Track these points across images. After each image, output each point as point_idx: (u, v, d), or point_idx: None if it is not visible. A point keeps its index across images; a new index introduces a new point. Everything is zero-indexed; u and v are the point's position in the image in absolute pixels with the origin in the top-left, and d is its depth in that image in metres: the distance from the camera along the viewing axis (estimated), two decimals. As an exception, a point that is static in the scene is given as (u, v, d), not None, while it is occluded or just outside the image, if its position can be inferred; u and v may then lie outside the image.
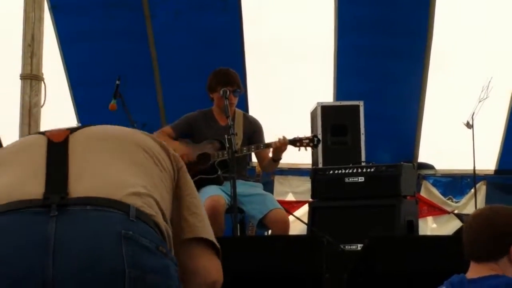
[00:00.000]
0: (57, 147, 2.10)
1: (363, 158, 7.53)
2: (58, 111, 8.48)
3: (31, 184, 2.02)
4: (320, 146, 6.65)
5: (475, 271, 3.22)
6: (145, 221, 2.03)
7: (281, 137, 6.06)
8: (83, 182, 2.03)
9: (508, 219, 3.22)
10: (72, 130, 2.17)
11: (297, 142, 6.07)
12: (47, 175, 2.03)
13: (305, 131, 7.66)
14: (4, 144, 9.29)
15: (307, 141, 6.08)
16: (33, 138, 2.17)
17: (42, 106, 5.40)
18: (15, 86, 5.52)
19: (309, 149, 6.17)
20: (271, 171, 7.29)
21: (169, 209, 2.20)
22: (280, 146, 6.02)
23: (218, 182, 6.17)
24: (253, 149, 6.25)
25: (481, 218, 3.27)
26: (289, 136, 6.11)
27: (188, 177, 2.35)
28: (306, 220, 6.86)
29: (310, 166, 7.86)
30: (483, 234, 3.22)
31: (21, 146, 2.18)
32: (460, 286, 3.19)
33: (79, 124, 7.73)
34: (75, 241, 1.91)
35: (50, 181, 2.02)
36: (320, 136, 7.43)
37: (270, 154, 6.22)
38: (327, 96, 9.12)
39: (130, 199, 2.04)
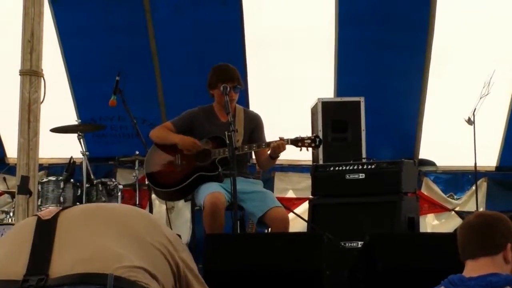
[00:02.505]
0: (46, 224, 2.09)
1: (364, 154, 7.51)
2: (58, 107, 8.46)
3: (14, 264, 2.02)
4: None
5: (472, 269, 3.33)
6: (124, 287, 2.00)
7: (280, 138, 6.03)
8: (66, 258, 2.01)
9: (507, 220, 3.42)
10: (64, 208, 2.16)
11: (298, 142, 6.06)
12: (31, 253, 2.02)
13: (306, 127, 7.66)
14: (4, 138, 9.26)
15: (308, 141, 6.06)
16: (27, 219, 2.18)
17: (41, 102, 5.36)
18: (15, 81, 5.49)
19: (311, 149, 6.16)
20: (268, 169, 7.29)
21: (168, 283, 2.15)
22: (279, 147, 6.00)
23: (218, 179, 6.16)
24: (254, 148, 6.23)
25: (482, 217, 3.45)
26: (290, 134, 6.09)
27: (191, 259, 2.30)
28: (306, 217, 6.84)
29: (310, 163, 7.84)
30: (484, 230, 3.37)
31: (15, 227, 2.19)
32: (461, 283, 3.26)
33: (79, 121, 7.70)
34: None
35: (32, 260, 2.01)
36: (320, 132, 7.42)
37: (269, 151, 6.20)
38: (328, 91, 9.09)
39: (112, 269, 2.00)
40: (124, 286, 1.97)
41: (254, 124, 6.44)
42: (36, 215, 2.13)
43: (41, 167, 8.53)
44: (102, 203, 2.27)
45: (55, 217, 2.08)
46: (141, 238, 2.09)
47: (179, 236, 5.62)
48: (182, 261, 2.21)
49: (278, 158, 6.34)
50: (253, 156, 6.87)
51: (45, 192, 7.18)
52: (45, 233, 2.04)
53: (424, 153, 9.54)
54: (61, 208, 2.12)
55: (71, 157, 7.46)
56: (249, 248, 5.36)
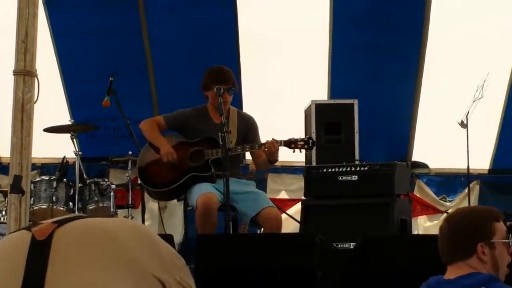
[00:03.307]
0: (39, 248, 1.95)
1: (356, 156, 7.51)
2: (51, 107, 8.46)
3: None
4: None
5: (451, 272, 3.32)
6: None
7: (270, 140, 6.04)
8: None
9: (472, 219, 3.33)
10: (60, 224, 2.00)
11: (291, 144, 6.07)
12: (22, 283, 1.88)
13: (299, 129, 7.67)
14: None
15: (302, 143, 6.08)
16: (18, 236, 2.02)
17: (35, 102, 5.37)
18: (8, 81, 5.49)
19: (304, 151, 6.17)
20: (265, 169, 7.30)
21: None
22: (270, 147, 6.01)
23: (211, 179, 6.17)
24: (247, 149, 6.25)
25: (447, 222, 3.41)
26: (284, 136, 6.10)
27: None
28: (299, 218, 6.86)
29: (303, 164, 7.84)
30: (450, 237, 3.33)
31: (7, 244, 2.03)
32: (437, 286, 3.25)
33: (72, 121, 7.67)
34: None
35: None
36: (314, 134, 7.42)
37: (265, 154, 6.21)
38: (322, 93, 9.10)
39: None
40: None
41: (247, 126, 6.46)
42: (30, 229, 1.98)
43: (34, 166, 8.51)
44: (98, 221, 2.07)
45: (49, 238, 1.95)
46: (141, 269, 1.96)
47: (172, 236, 5.63)
48: (179, 284, 2.14)
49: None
50: (246, 157, 6.89)
51: (37, 192, 7.17)
52: (38, 259, 1.92)
53: (417, 156, 9.55)
54: (56, 225, 1.97)
55: (64, 157, 7.46)
56: (241, 248, 5.38)
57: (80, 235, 1.97)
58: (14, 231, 2.14)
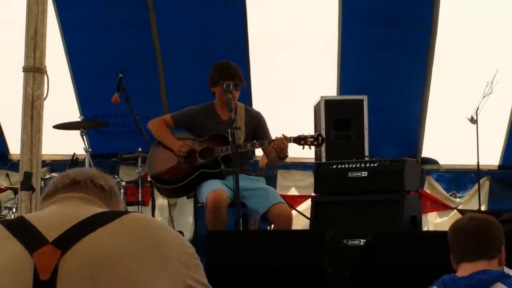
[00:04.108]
0: None
1: (366, 152, 7.51)
2: (61, 103, 8.46)
3: None
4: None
5: (465, 270, 3.36)
6: None
7: (279, 136, 6.03)
8: None
9: (499, 225, 3.50)
10: (63, 249, 1.86)
11: (301, 140, 6.05)
12: None
13: (309, 125, 7.66)
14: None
15: (311, 139, 6.06)
16: (18, 260, 1.87)
17: (45, 99, 5.37)
18: (18, 78, 5.50)
19: (313, 147, 6.16)
20: (276, 165, 7.29)
21: None
22: (279, 144, 6.00)
23: (220, 176, 6.16)
24: (257, 145, 6.23)
25: (476, 221, 3.48)
26: (293, 132, 6.09)
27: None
28: (309, 215, 6.85)
29: (313, 161, 7.85)
30: (481, 235, 3.41)
31: (5, 273, 1.87)
32: (452, 283, 3.27)
33: (82, 118, 7.62)
34: None
35: None
36: (323, 130, 7.42)
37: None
38: (331, 89, 9.09)
39: None
40: None
41: (256, 122, 6.44)
42: (31, 251, 1.86)
43: (44, 163, 8.52)
44: (105, 242, 1.93)
45: (53, 276, 1.83)
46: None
47: (182, 233, 5.63)
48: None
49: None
50: (256, 154, 6.87)
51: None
52: None
53: (427, 152, 9.54)
54: (59, 252, 1.84)
55: (74, 154, 7.46)
56: (251, 245, 5.37)
57: (86, 270, 1.85)
58: (13, 221, 2.00)
